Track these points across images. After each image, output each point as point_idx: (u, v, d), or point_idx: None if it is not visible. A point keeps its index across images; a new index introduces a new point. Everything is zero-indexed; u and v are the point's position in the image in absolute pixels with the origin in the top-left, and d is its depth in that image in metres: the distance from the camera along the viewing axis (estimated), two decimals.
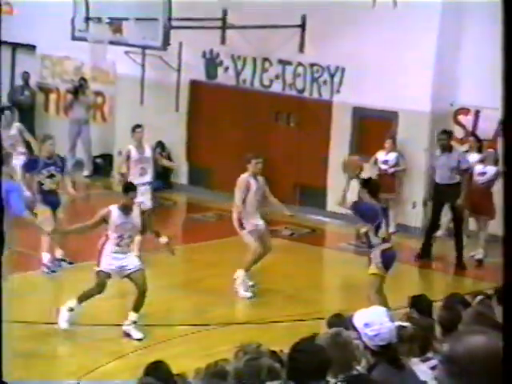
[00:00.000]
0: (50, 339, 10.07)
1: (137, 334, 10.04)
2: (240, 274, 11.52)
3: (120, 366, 9.22)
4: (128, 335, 10.03)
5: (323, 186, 15.51)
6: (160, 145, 16.92)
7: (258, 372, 4.39)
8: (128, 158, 12.80)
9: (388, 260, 10.25)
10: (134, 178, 12.25)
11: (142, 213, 11.04)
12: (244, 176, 11.63)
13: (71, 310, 9.99)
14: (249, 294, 11.45)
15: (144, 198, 12.26)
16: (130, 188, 10.34)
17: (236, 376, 4.45)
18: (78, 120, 17.89)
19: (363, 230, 10.47)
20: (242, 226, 11.58)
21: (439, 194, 13.38)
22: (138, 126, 13.16)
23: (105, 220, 10.03)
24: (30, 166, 12.40)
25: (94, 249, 10.25)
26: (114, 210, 10.05)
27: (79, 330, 10.20)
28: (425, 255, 13.52)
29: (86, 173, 18.02)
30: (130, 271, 10.04)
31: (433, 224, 13.58)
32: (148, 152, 12.97)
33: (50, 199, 12.07)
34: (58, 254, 12.33)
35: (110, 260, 9.98)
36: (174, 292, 11.84)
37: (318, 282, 13.17)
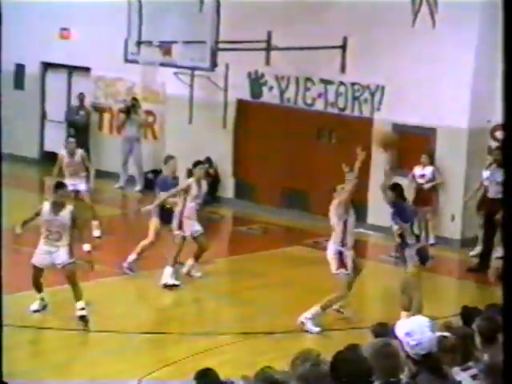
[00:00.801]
0: (100, 345, 10.05)
1: (81, 312, 10.18)
2: (314, 309, 10.49)
3: (169, 373, 9.17)
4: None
5: (364, 200, 15.39)
6: (208, 161, 16.95)
7: (322, 378, 4.32)
8: (187, 191, 12.00)
9: (424, 257, 10.32)
10: (190, 213, 11.98)
11: (194, 238, 11.97)
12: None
13: (40, 309, 10.40)
14: (317, 329, 10.45)
15: (197, 228, 12.11)
16: (59, 186, 10.37)
17: (302, 381, 4.37)
18: (130, 138, 18.03)
19: (398, 232, 10.37)
20: (343, 265, 10.48)
21: (487, 207, 13.31)
22: (200, 162, 12.47)
23: (38, 214, 10.27)
24: (163, 184, 12.31)
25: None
26: (46, 207, 10.23)
27: (129, 338, 10.20)
28: (481, 268, 13.28)
29: (137, 188, 18.11)
30: (59, 265, 10.19)
31: (485, 237, 13.43)
32: (204, 189, 12.28)
33: (167, 215, 12.11)
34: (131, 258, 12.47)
35: (39, 255, 10.25)
36: (221, 301, 11.82)
37: (359, 292, 13.03)
